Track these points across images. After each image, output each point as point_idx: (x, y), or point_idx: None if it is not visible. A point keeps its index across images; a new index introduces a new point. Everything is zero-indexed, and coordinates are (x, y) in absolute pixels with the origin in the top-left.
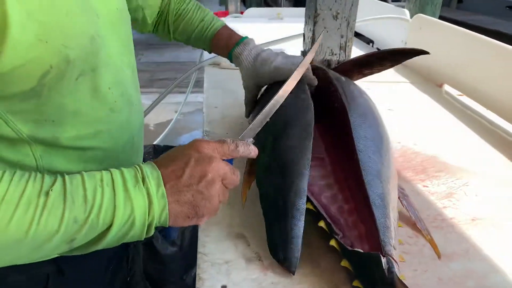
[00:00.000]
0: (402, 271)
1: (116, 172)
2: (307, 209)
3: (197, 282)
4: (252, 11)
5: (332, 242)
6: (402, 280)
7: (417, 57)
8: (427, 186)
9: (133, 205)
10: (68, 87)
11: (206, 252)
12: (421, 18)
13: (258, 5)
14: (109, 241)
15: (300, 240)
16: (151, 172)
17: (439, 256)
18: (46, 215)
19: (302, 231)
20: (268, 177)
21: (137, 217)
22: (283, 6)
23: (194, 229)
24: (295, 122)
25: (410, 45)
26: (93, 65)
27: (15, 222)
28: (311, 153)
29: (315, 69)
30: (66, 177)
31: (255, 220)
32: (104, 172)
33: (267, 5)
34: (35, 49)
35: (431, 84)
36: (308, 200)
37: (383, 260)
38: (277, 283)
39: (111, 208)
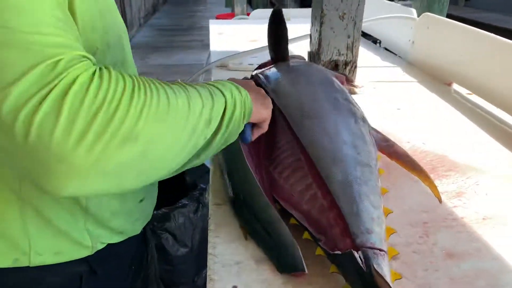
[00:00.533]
0: (413, 271)
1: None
2: (294, 225)
3: (208, 283)
4: (258, 12)
5: (318, 251)
6: (385, 269)
7: (425, 56)
8: (436, 186)
9: (233, 92)
10: None
11: (217, 253)
12: (428, 17)
13: (265, 6)
14: (223, 130)
15: (293, 240)
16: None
17: (439, 200)
18: (194, 98)
19: (288, 231)
20: (239, 211)
21: (237, 100)
22: (289, 7)
23: (204, 231)
24: (229, 156)
25: (418, 44)
26: (122, 58)
27: (180, 100)
28: (247, 164)
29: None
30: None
31: None
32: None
33: (273, 6)
34: (91, 28)
35: (440, 83)
36: (290, 215)
37: (357, 255)
38: (287, 283)
39: (223, 98)
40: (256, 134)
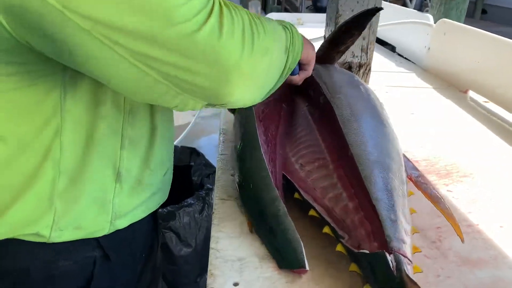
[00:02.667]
0: (424, 276)
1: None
2: (312, 217)
3: (208, 277)
4: (272, 16)
5: (339, 247)
6: (415, 278)
7: (441, 62)
8: (451, 191)
9: (291, 27)
10: None
11: (219, 248)
12: (445, 23)
13: (278, 11)
14: (290, 59)
15: (297, 236)
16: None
17: (462, 239)
18: (277, 26)
19: (293, 226)
20: (245, 201)
21: (295, 34)
22: (303, 13)
23: (209, 232)
24: (244, 143)
25: (434, 50)
26: None
27: (277, 27)
28: (264, 160)
29: None
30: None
31: None
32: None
33: (287, 12)
34: None
35: (455, 90)
36: (311, 206)
37: (389, 257)
38: (292, 282)
39: (288, 30)
40: (302, 76)
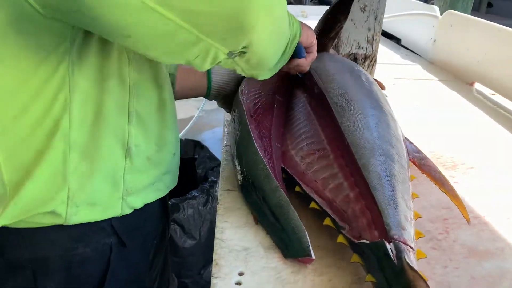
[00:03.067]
0: (431, 268)
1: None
2: (313, 209)
3: (213, 267)
4: None
5: (340, 239)
6: (415, 266)
7: (446, 54)
8: (457, 183)
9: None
10: None
11: (224, 238)
12: (452, 15)
13: None
14: (292, 36)
15: (301, 225)
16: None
17: (468, 220)
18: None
19: (296, 215)
20: (247, 195)
21: (291, 15)
22: (307, 5)
23: (213, 224)
24: (239, 139)
25: (440, 42)
26: None
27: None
28: (259, 153)
29: None
30: None
31: None
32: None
33: (291, 5)
34: None
35: (461, 82)
36: (312, 199)
37: (389, 246)
38: (297, 272)
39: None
40: (309, 59)
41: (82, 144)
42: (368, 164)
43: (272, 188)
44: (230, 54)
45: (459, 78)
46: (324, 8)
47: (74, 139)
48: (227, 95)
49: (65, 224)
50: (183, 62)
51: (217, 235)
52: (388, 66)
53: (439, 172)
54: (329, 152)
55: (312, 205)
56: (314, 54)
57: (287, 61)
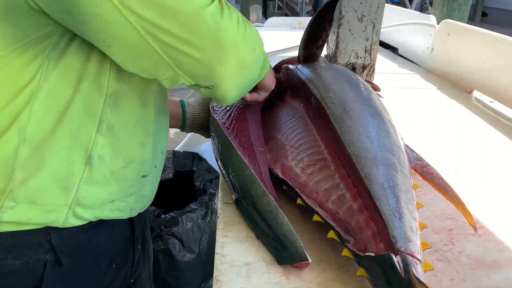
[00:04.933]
0: (438, 280)
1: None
2: (316, 222)
3: (214, 283)
4: (274, 20)
5: (345, 252)
6: (422, 278)
7: (444, 63)
8: (460, 192)
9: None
10: None
11: (225, 253)
12: (449, 24)
13: (279, 16)
14: (262, 71)
15: (292, 229)
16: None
17: (475, 229)
18: (251, 34)
19: (287, 221)
20: (241, 206)
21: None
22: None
23: (212, 237)
24: (222, 150)
25: (437, 51)
26: None
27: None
28: (243, 160)
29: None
30: None
31: None
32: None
33: (287, 16)
34: None
35: (460, 90)
36: (314, 211)
37: (396, 259)
38: (301, 287)
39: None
40: (253, 97)
41: (38, 140)
42: (371, 175)
43: (259, 193)
44: (196, 86)
45: (457, 87)
46: None
47: (30, 134)
48: (202, 123)
49: None
50: (152, 78)
51: (217, 250)
52: (386, 75)
53: (442, 179)
54: (330, 163)
55: (315, 217)
56: (260, 97)
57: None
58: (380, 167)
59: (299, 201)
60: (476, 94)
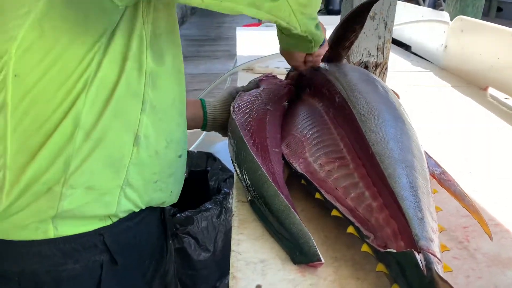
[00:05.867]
0: (453, 277)
1: None
2: (332, 218)
3: (230, 280)
4: None
5: (364, 247)
6: (445, 277)
7: (458, 60)
8: (476, 190)
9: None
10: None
11: (240, 251)
12: (462, 20)
13: None
14: None
15: (304, 228)
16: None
17: (490, 236)
18: None
19: (299, 221)
20: (255, 206)
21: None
22: None
23: (227, 236)
24: (237, 150)
25: (451, 48)
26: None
27: None
28: (256, 160)
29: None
30: None
31: None
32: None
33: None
34: None
35: (475, 87)
36: (333, 206)
37: (418, 256)
38: (316, 284)
39: None
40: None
41: (89, 125)
42: (395, 175)
43: (271, 193)
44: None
45: (472, 84)
46: (332, 18)
47: (84, 120)
48: (222, 123)
49: (58, 222)
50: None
51: (233, 247)
52: (399, 73)
53: (459, 187)
54: (349, 162)
55: (334, 212)
56: (322, 51)
57: (318, 45)
58: (404, 168)
59: (317, 195)
60: (491, 91)
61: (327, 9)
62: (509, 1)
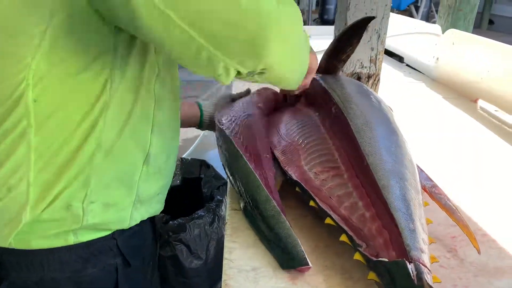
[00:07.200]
0: (441, 286)
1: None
2: (327, 225)
3: (223, 287)
4: None
5: (357, 256)
6: (434, 287)
7: (450, 72)
8: (464, 200)
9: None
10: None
11: (233, 258)
12: (454, 33)
13: None
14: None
15: (293, 234)
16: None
17: (478, 251)
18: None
19: (289, 226)
20: (247, 213)
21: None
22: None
23: (220, 244)
24: (229, 158)
25: (443, 60)
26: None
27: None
28: (248, 166)
29: None
30: None
31: None
32: None
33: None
34: None
35: (465, 99)
36: (327, 214)
37: (409, 266)
38: None
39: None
40: (304, 82)
41: (108, 145)
42: (388, 186)
43: (263, 198)
44: (250, 73)
45: (463, 96)
46: (327, 28)
47: (104, 140)
48: None
49: (78, 232)
50: (211, 75)
51: (225, 255)
52: (392, 84)
53: (449, 200)
54: (343, 172)
55: (328, 220)
56: (308, 81)
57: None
58: (397, 179)
59: (312, 203)
60: (481, 103)
61: (322, 19)
62: (500, 14)
